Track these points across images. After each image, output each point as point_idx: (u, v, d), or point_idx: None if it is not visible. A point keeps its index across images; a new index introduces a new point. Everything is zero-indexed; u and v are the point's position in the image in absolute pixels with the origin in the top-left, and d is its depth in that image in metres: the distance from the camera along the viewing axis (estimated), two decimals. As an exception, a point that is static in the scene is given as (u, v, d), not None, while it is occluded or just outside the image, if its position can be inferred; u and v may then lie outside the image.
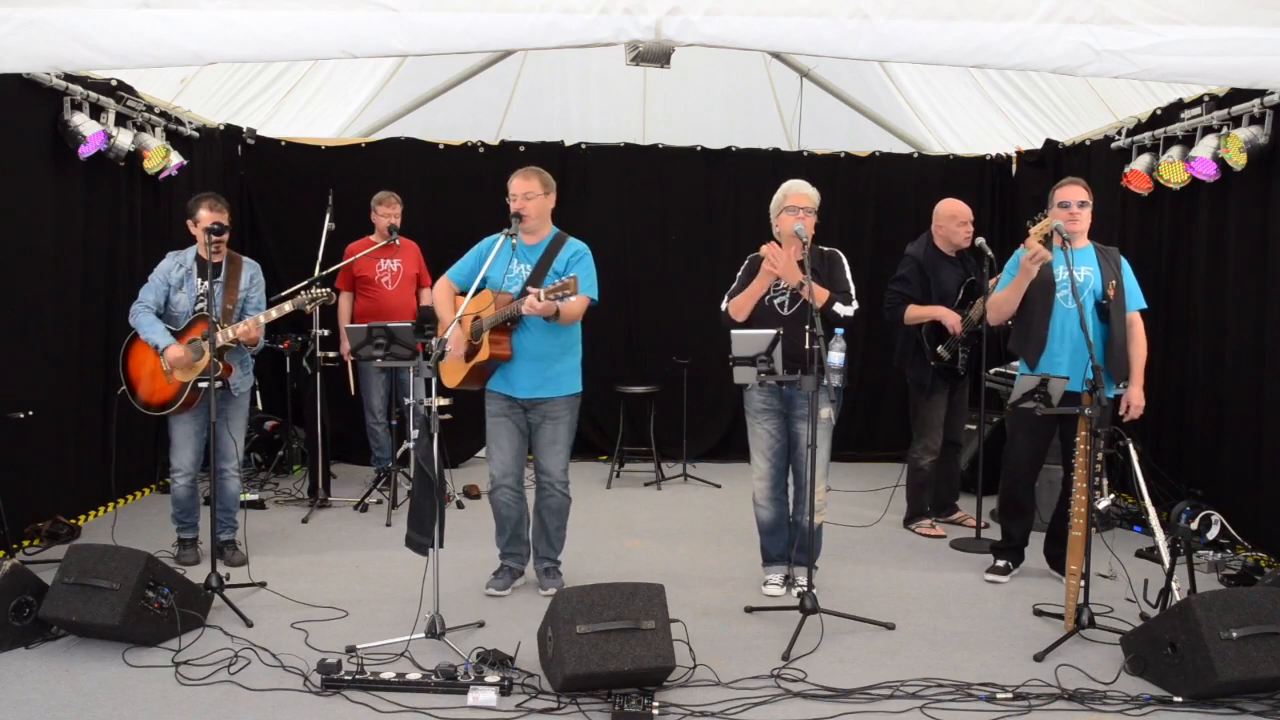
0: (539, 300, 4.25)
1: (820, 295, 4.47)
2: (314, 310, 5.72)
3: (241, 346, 5.03)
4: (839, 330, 4.40)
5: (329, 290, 5.49)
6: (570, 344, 4.68)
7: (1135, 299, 4.81)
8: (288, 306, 5.16)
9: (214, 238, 4.85)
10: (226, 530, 5.03)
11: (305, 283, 5.91)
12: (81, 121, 5.47)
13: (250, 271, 5.18)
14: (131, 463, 6.34)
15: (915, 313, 5.79)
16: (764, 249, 4.59)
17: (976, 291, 5.79)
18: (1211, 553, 5.13)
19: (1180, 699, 3.62)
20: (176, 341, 4.93)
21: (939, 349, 5.76)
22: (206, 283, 4.98)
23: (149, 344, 4.96)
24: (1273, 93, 5.07)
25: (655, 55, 4.32)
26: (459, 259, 4.73)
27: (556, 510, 4.77)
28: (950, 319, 5.69)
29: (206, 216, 4.98)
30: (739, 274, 4.80)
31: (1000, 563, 5.11)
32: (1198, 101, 5.76)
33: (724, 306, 4.73)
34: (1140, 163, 6.11)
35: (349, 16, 4.02)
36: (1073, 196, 4.71)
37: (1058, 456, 5.12)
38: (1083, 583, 4.21)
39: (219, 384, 4.79)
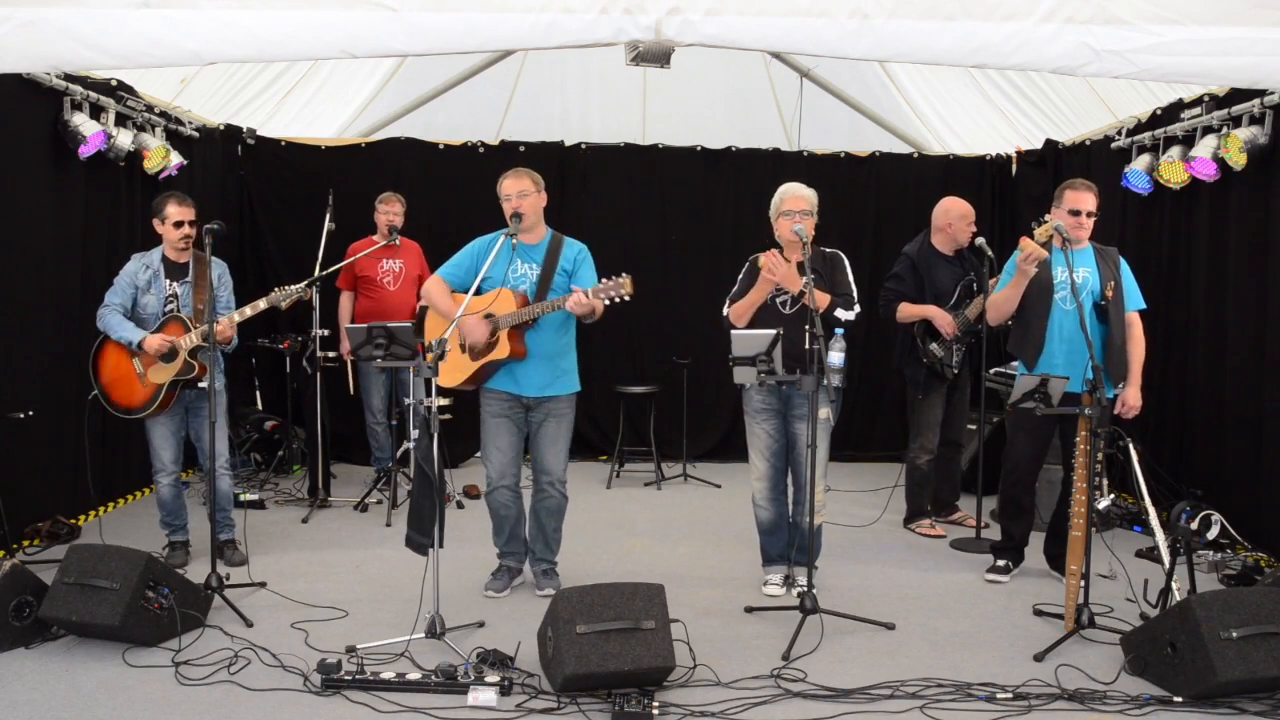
0: (586, 297, 4.31)
1: (821, 300, 4.47)
2: (289, 307, 5.62)
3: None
4: (839, 330, 4.39)
5: (304, 287, 5.46)
6: (571, 342, 4.72)
7: (1134, 299, 4.81)
8: (262, 304, 5.13)
9: (182, 236, 4.81)
10: (225, 530, 5.03)
11: (305, 282, 5.90)
12: (81, 121, 5.47)
13: (218, 270, 5.15)
14: (130, 463, 6.33)
15: (907, 311, 5.80)
16: (763, 259, 4.57)
17: (974, 291, 5.79)
18: (1211, 553, 5.13)
19: (1180, 699, 3.61)
20: (149, 334, 4.92)
21: (932, 347, 5.77)
22: (175, 284, 5.03)
23: (121, 343, 4.95)
24: (1273, 93, 5.07)
25: (655, 55, 4.32)
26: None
27: (554, 511, 4.76)
28: (942, 319, 5.70)
29: (175, 212, 4.99)
30: (740, 276, 4.79)
31: (1000, 563, 5.11)
32: (1198, 101, 5.76)
33: (725, 312, 4.73)
34: (1140, 163, 6.12)
35: (349, 16, 4.02)
36: (1084, 205, 4.68)
37: (1058, 456, 5.12)
38: (1083, 583, 4.21)
39: (199, 384, 4.83)
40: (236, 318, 5.03)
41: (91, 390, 5.06)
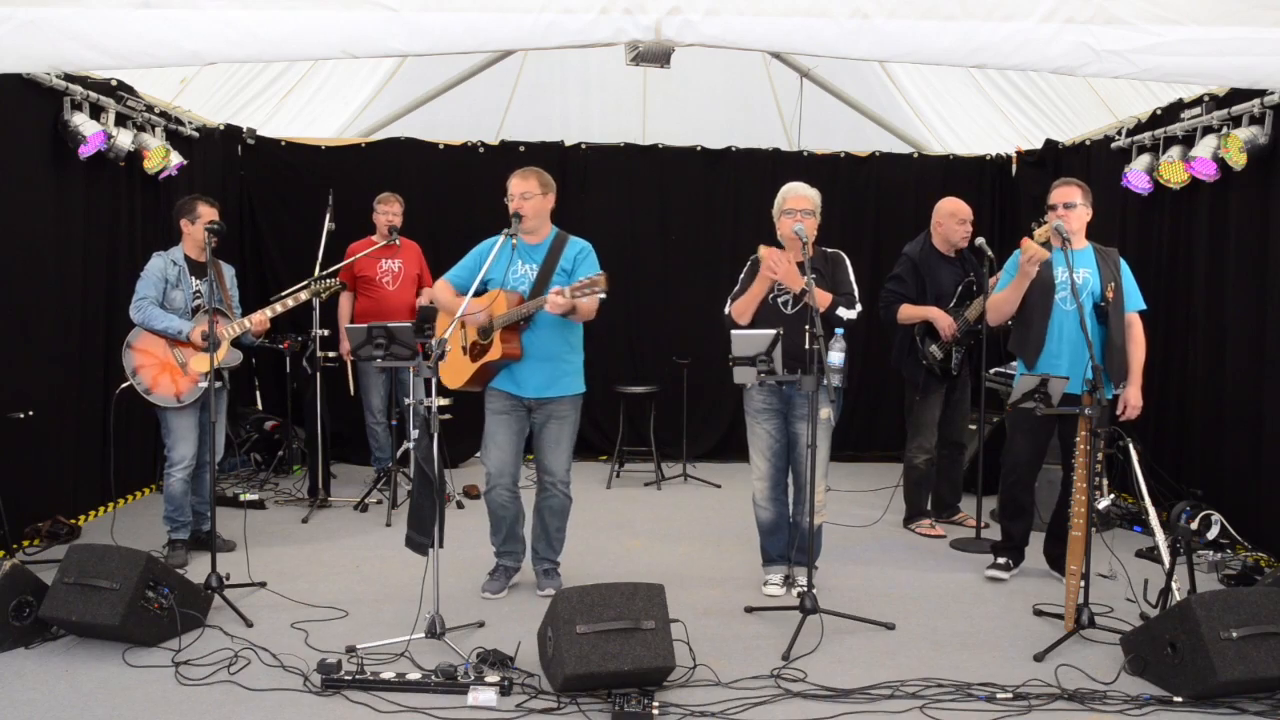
0: (563, 297, 4.27)
1: (823, 299, 4.47)
2: (318, 304, 5.91)
3: (247, 336, 5.27)
4: (839, 330, 4.39)
5: (339, 280, 5.83)
6: (575, 343, 4.69)
7: (1134, 300, 4.82)
8: (304, 295, 5.53)
9: (212, 235, 4.91)
10: (207, 521, 5.03)
11: (305, 282, 5.92)
12: (81, 121, 5.47)
13: (229, 272, 5.42)
14: (130, 463, 6.33)
15: (908, 312, 5.80)
16: (761, 249, 4.58)
17: (975, 292, 5.79)
18: (1211, 553, 5.13)
19: (1180, 699, 3.61)
20: (194, 325, 5.09)
21: (931, 349, 5.77)
22: (199, 281, 5.17)
23: (167, 333, 5.07)
24: (1273, 93, 5.07)
25: (655, 55, 4.32)
26: (458, 260, 4.74)
27: (558, 511, 4.76)
28: (942, 321, 5.70)
29: (208, 213, 5.16)
30: (741, 275, 4.79)
31: (1000, 562, 5.11)
32: (1198, 101, 5.76)
33: (727, 310, 4.73)
34: (1140, 163, 6.12)
35: (348, 16, 4.03)
36: (1060, 198, 4.75)
37: (1058, 456, 5.12)
38: (1083, 583, 4.21)
39: (219, 382, 4.90)
40: (279, 308, 5.35)
41: (119, 381, 5.14)
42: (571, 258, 4.60)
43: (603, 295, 4.29)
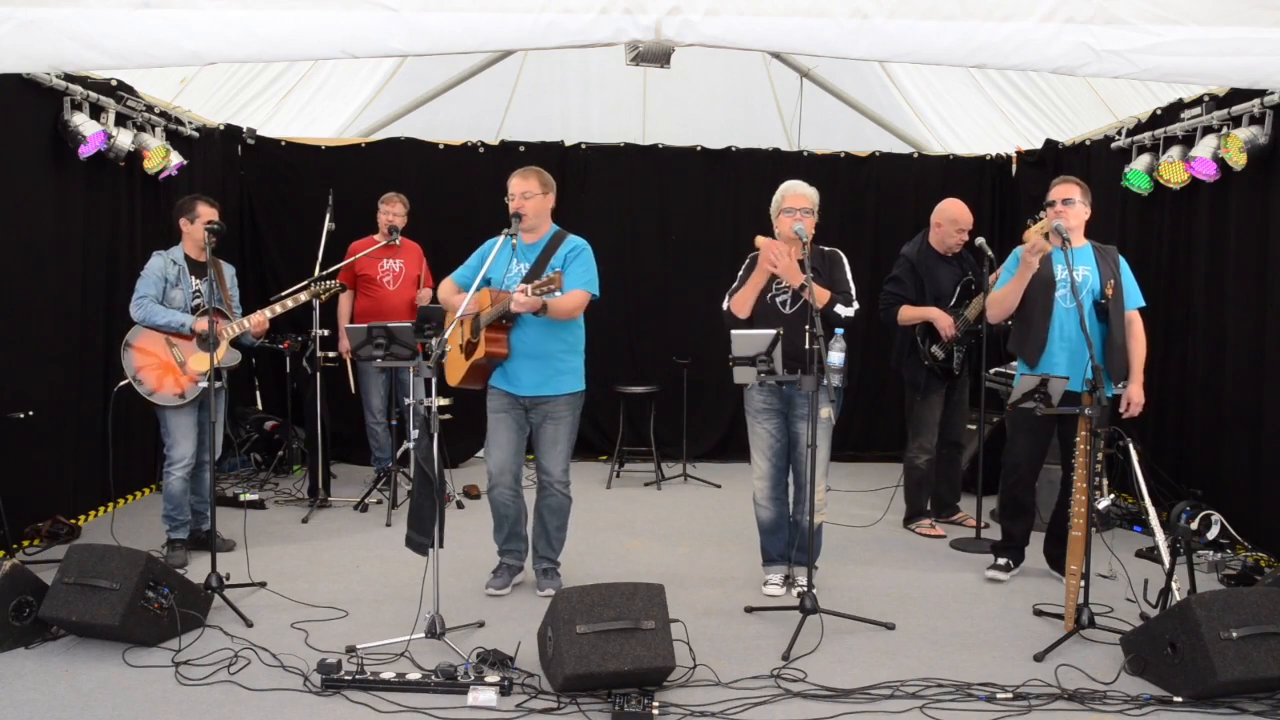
0: (525, 296, 4.27)
1: (821, 296, 4.47)
2: (317, 305, 5.92)
3: (247, 337, 5.27)
4: (839, 330, 4.40)
5: (338, 282, 5.85)
6: (573, 342, 4.68)
7: (1134, 297, 4.82)
8: (304, 296, 5.52)
9: (212, 235, 4.91)
10: (207, 520, 5.03)
11: (305, 282, 5.92)
12: (81, 121, 5.47)
13: (230, 271, 5.43)
14: (130, 463, 6.33)
15: (908, 313, 5.80)
16: (759, 240, 4.58)
17: (973, 291, 5.79)
18: (1211, 553, 5.13)
19: (1180, 699, 3.61)
20: (196, 318, 5.10)
21: (933, 349, 5.77)
22: (199, 281, 5.18)
23: (169, 327, 5.07)
24: (1273, 93, 5.07)
25: (655, 55, 4.32)
26: (461, 259, 4.75)
27: (556, 510, 4.76)
28: (943, 321, 5.70)
29: (208, 213, 5.17)
30: (740, 272, 4.79)
31: (1000, 562, 5.11)
32: (1198, 101, 5.76)
33: (725, 305, 4.73)
34: (1140, 163, 6.12)
35: (349, 16, 4.03)
36: (1058, 195, 4.76)
37: (1058, 456, 5.12)
38: (1083, 583, 4.21)
39: (219, 382, 4.92)
40: (279, 309, 5.34)
41: (119, 381, 5.15)
42: (563, 255, 4.59)
43: (559, 293, 4.31)
